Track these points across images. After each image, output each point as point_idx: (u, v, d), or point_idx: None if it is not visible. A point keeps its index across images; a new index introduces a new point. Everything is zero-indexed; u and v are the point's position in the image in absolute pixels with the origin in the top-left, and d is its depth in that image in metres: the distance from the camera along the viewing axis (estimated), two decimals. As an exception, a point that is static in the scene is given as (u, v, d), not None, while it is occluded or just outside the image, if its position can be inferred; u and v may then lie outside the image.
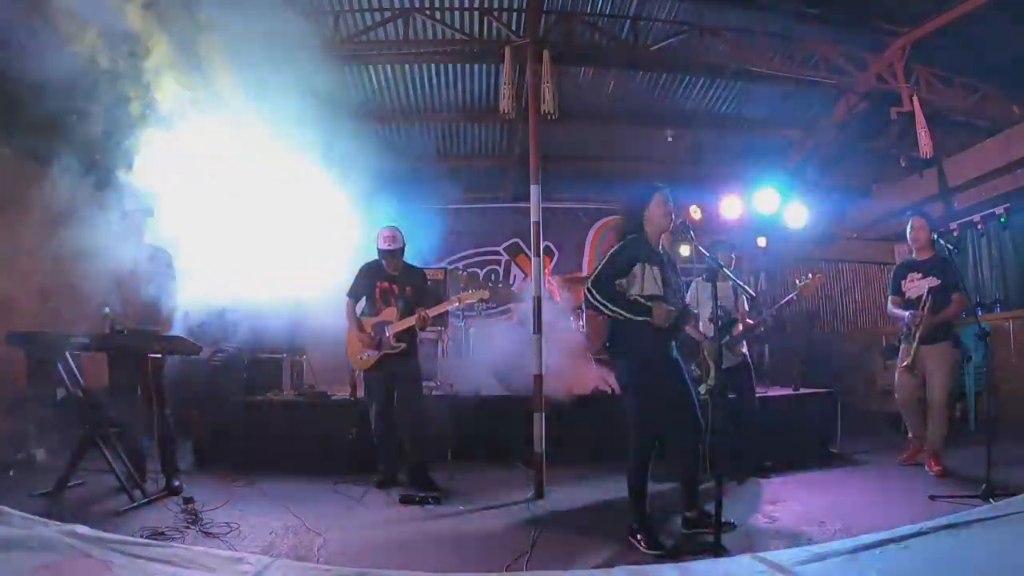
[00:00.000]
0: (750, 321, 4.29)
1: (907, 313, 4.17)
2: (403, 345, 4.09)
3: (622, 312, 2.88)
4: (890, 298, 4.46)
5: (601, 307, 2.91)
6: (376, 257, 4.26)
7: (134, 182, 4.12)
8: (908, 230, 4.38)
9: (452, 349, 6.11)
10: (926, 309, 4.09)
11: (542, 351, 4.02)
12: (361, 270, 4.28)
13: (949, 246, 3.99)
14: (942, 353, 4.14)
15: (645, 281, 2.90)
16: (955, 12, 5.03)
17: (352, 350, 4.24)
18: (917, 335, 4.11)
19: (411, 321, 4.07)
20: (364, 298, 4.29)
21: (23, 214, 4.62)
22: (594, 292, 2.92)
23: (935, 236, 4.19)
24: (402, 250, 4.22)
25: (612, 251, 2.99)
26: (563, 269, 8.19)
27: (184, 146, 4.45)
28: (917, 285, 4.24)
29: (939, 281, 4.14)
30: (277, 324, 5.14)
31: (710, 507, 2.92)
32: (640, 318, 2.86)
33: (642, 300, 2.88)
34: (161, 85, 4.19)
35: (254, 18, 4.23)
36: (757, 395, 4.46)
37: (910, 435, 4.44)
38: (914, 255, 4.39)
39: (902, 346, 4.31)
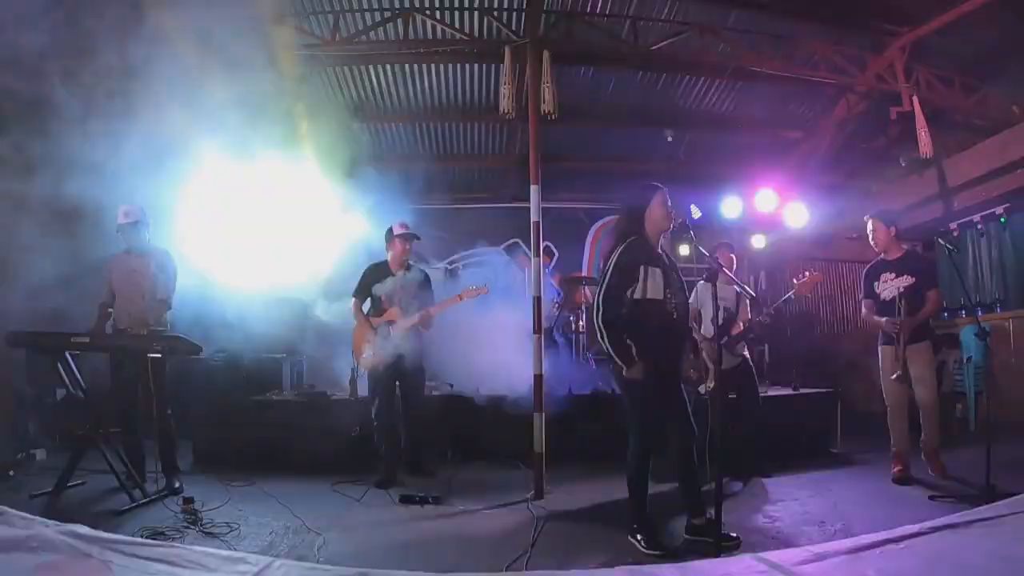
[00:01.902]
0: (748, 317, 4.28)
1: (884, 321, 3.99)
2: (408, 343, 4.13)
3: (610, 348, 2.87)
4: (864, 303, 4.21)
5: (599, 329, 2.90)
6: (380, 259, 4.40)
7: (133, 183, 4.13)
8: (867, 232, 4.21)
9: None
10: (902, 312, 3.92)
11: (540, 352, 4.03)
12: (366, 271, 4.39)
13: (949, 246, 3.95)
14: (923, 352, 3.99)
15: (648, 284, 2.88)
16: (955, 12, 5.03)
17: (358, 349, 4.31)
18: (902, 341, 3.93)
19: (415, 319, 4.16)
20: (369, 298, 4.35)
21: (23, 213, 4.62)
22: (601, 311, 2.89)
23: (898, 231, 4.09)
24: (415, 237, 4.38)
25: (615, 258, 2.95)
26: (563, 269, 8.19)
27: (183, 149, 4.46)
28: (891, 286, 4.04)
29: (913, 279, 3.97)
30: (277, 324, 5.14)
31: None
32: (618, 361, 2.85)
33: (632, 344, 2.86)
34: (158, 86, 4.19)
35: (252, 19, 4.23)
36: (759, 395, 4.46)
37: (894, 449, 4.09)
38: (883, 255, 4.17)
39: (883, 349, 4.12)
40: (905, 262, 4.07)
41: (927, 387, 3.98)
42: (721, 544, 2.61)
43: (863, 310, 4.26)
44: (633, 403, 2.95)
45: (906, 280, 3.99)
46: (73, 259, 4.27)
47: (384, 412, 4.21)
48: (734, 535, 2.81)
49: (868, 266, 4.28)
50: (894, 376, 3.99)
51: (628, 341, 2.86)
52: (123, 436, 3.97)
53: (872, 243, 4.21)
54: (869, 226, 4.19)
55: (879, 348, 4.18)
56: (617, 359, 2.86)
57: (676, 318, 2.96)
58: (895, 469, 4.02)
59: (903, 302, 3.93)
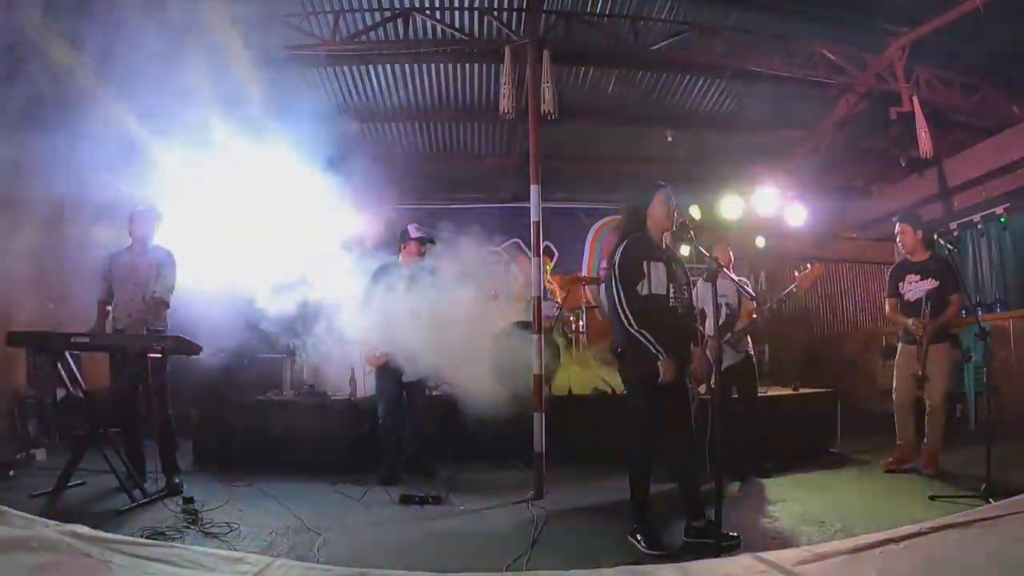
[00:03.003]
0: (751, 309, 4.28)
1: (910, 322, 4.15)
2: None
3: (650, 340, 2.82)
4: (887, 300, 4.40)
5: (638, 335, 2.84)
6: (388, 259, 4.43)
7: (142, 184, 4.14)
8: (895, 233, 4.40)
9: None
10: (927, 315, 4.08)
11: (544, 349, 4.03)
12: (376, 271, 4.38)
13: (949, 246, 3.97)
14: (942, 354, 4.12)
15: (652, 279, 2.88)
16: (955, 12, 5.03)
17: (366, 348, 4.36)
18: (925, 342, 4.08)
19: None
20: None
21: (26, 213, 4.62)
22: (628, 315, 2.85)
23: (924, 236, 4.23)
24: (430, 241, 4.43)
25: (618, 256, 2.94)
26: (563, 269, 8.18)
27: (183, 152, 4.46)
28: (915, 288, 4.20)
29: (937, 283, 4.12)
30: (276, 324, 5.12)
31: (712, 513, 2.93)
32: (653, 354, 2.81)
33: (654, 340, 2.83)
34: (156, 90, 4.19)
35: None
36: (760, 394, 4.46)
37: (899, 440, 4.32)
38: (908, 257, 4.34)
39: (902, 346, 4.29)
40: (930, 265, 4.21)
41: (938, 388, 4.11)
42: (721, 544, 2.61)
43: (886, 307, 4.43)
44: (640, 402, 2.95)
45: (930, 283, 4.15)
46: (71, 258, 4.28)
47: (390, 413, 4.25)
48: (734, 534, 2.80)
49: (893, 266, 4.50)
50: (912, 374, 4.15)
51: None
52: (123, 436, 3.96)
53: (899, 245, 4.40)
54: (897, 228, 4.36)
55: (899, 346, 4.34)
56: (656, 348, 2.81)
57: (680, 313, 2.96)
58: (890, 458, 4.26)
59: (928, 304, 4.09)
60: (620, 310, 2.88)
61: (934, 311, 4.08)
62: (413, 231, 4.38)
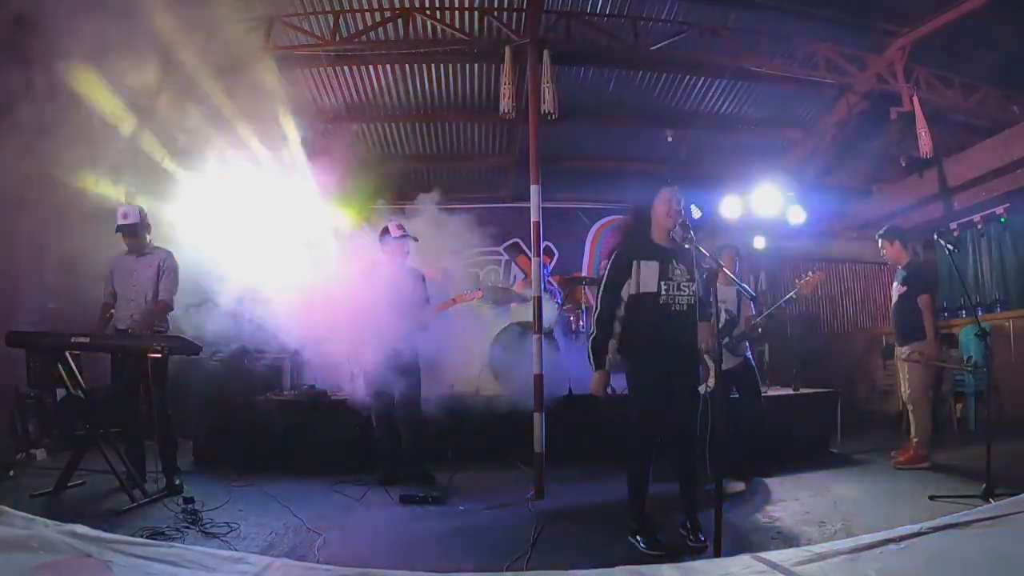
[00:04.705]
0: (750, 314, 4.29)
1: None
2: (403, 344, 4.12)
3: (589, 346, 2.96)
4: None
5: (589, 343, 2.98)
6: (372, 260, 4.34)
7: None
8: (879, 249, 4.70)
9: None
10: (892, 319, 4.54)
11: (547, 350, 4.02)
12: (359, 273, 4.32)
13: (949, 246, 3.98)
14: (908, 354, 4.37)
15: (641, 278, 2.89)
16: (955, 12, 5.03)
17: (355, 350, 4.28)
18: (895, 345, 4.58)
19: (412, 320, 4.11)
20: None
21: (27, 214, 4.61)
22: (598, 309, 2.99)
23: (902, 244, 4.52)
24: (412, 239, 4.36)
25: (612, 255, 3.02)
26: (563, 269, 8.18)
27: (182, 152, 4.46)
28: (894, 294, 4.54)
29: (905, 288, 4.39)
30: (275, 323, 5.12)
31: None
32: (591, 359, 2.95)
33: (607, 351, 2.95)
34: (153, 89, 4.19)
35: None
36: (762, 395, 4.47)
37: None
38: (896, 266, 4.62)
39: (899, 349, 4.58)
40: (904, 272, 4.48)
41: (906, 386, 4.39)
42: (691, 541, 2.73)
43: None
44: (636, 402, 2.95)
45: (900, 289, 4.43)
46: (74, 258, 4.28)
47: (384, 414, 4.22)
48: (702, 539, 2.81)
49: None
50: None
51: (611, 345, 2.94)
52: (123, 436, 3.96)
53: (884, 258, 4.68)
54: (879, 244, 4.63)
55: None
56: (590, 359, 2.94)
57: (674, 311, 2.91)
58: (902, 456, 4.43)
59: (894, 310, 4.49)
60: (593, 316, 3.01)
61: (902, 315, 4.41)
62: (394, 230, 4.29)
